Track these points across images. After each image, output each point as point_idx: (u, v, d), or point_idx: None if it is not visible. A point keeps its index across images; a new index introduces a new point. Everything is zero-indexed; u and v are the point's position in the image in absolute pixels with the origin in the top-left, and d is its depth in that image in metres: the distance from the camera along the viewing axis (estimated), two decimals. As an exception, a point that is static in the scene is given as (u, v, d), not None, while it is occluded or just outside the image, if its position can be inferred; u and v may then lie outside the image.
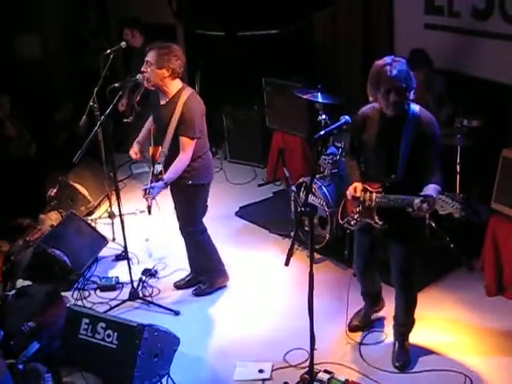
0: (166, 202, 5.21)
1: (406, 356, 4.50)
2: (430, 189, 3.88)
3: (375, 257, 4.56)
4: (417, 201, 3.83)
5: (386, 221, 4.16)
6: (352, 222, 4.37)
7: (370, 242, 4.46)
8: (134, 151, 5.25)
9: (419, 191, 3.90)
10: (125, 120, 7.16)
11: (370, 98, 4.09)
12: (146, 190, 4.88)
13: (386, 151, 4.11)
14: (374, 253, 4.53)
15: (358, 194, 4.17)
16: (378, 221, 4.17)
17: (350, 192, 4.21)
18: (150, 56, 4.91)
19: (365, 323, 4.85)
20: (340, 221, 4.50)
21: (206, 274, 5.54)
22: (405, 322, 4.54)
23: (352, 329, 4.82)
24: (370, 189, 4.17)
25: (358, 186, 4.20)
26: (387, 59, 3.97)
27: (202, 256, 5.45)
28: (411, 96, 3.98)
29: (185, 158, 4.93)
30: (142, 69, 4.97)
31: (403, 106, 4.00)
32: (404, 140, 4.00)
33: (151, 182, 4.90)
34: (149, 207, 4.87)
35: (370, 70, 4.03)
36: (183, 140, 4.90)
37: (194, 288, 5.54)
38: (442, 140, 4.14)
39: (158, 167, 4.99)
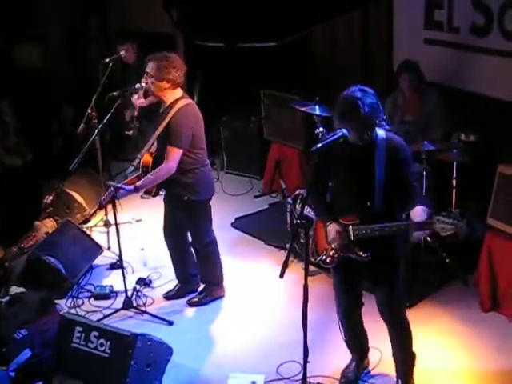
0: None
1: None
2: (418, 211, 3.77)
3: (357, 296, 4.34)
4: (415, 232, 3.77)
5: (370, 251, 3.99)
6: (328, 260, 4.20)
7: (347, 277, 4.23)
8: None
9: (398, 216, 3.87)
10: (126, 132, 7.13)
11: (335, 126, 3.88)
12: (112, 186, 4.91)
13: (358, 179, 3.93)
14: (355, 291, 4.31)
15: (340, 240, 4.04)
16: (360, 253, 4.00)
17: (335, 239, 4.05)
18: (150, 67, 4.92)
19: (356, 375, 4.52)
20: (312, 259, 4.29)
21: (207, 285, 5.54)
22: (404, 359, 4.32)
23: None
24: (344, 222, 4.02)
25: (339, 229, 4.02)
26: (357, 92, 3.79)
27: (210, 268, 5.48)
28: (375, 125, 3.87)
29: (166, 167, 4.90)
30: (143, 80, 4.98)
31: (372, 135, 3.88)
32: (377, 165, 3.86)
33: (125, 183, 4.95)
34: (100, 203, 4.89)
35: (338, 100, 3.85)
36: (168, 149, 4.88)
37: (188, 298, 5.54)
38: (413, 160, 4.04)
39: (131, 168, 5.01)
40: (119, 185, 4.91)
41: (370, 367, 4.60)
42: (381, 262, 4.04)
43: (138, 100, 6.59)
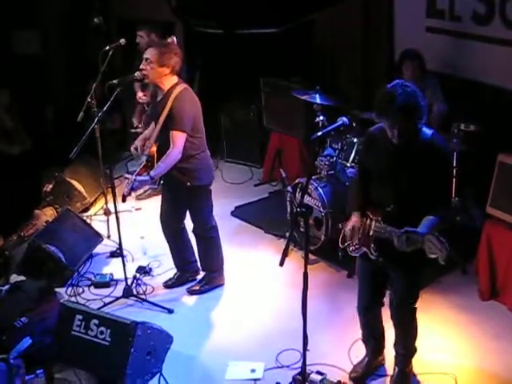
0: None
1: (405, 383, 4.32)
2: (425, 222, 3.69)
3: (378, 291, 4.27)
4: (397, 236, 3.68)
5: (382, 253, 3.95)
6: (351, 248, 4.17)
7: (371, 270, 4.16)
8: (134, 145, 5.26)
9: (419, 223, 3.73)
10: (133, 131, 7.06)
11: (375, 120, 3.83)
12: (128, 178, 4.93)
13: (389, 180, 3.85)
14: (376, 285, 4.23)
15: (358, 231, 3.99)
16: (373, 251, 3.98)
17: (347, 231, 4.04)
18: (150, 54, 4.92)
19: (367, 372, 4.47)
20: (340, 245, 4.26)
21: (207, 273, 5.56)
22: (405, 353, 4.30)
23: (354, 379, 4.42)
24: (371, 216, 3.97)
25: (356, 224, 4.00)
26: (397, 87, 3.63)
27: (211, 255, 5.49)
28: (421, 124, 3.70)
29: (174, 152, 4.91)
30: (141, 66, 4.98)
31: (409, 136, 3.71)
32: (410, 170, 3.74)
33: (137, 174, 4.95)
34: (123, 196, 4.91)
35: (378, 93, 3.72)
36: (172, 134, 4.89)
37: (188, 286, 5.55)
38: (452, 166, 3.90)
39: (143, 158, 5.02)
40: (134, 177, 4.92)
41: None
42: (396, 265, 3.99)
43: (142, 97, 6.60)
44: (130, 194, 5.01)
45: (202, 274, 5.61)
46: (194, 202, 5.23)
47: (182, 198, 5.20)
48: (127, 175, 5.08)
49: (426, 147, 3.74)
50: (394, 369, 4.36)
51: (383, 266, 4.05)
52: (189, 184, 5.05)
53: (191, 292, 5.51)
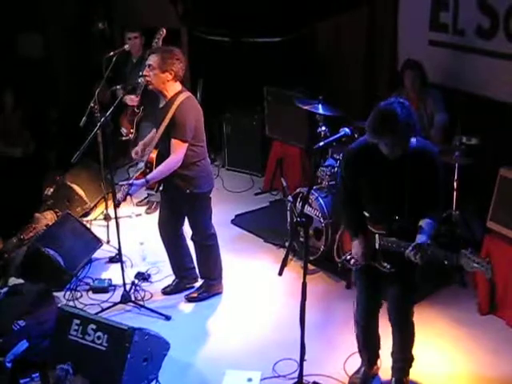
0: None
1: None
2: (424, 228, 3.73)
3: (378, 301, 4.29)
4: (407, 251, 3.67)
5: (393, 264, 3.95)
6: (352, 262, 4.16)
7: (373, 282, 4.16)
8: (135, 150, 5.28)
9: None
10: (124, 138, 7.03)
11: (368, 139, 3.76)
12: (123, 184, 4.94)
13: (388, 194, 3.84)
14: (377, 295, 4.25)
15: (367, 253, 3.98)
16: (384, 264, 3.96)
17: (357, 256, 4.03)
18: (153, 60, 4.93)
19: (364, 382, 4.48)
20: (336, 258, 4.30)
21: (206, 281, 5.55)
22: (403, 359, 4.31)
23: None
24: (373, 230, 3.96)
25: (364, 251, 3.99)
26: (395, 105, 3.63)
27: (210, 262, 5.48)
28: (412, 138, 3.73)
29: (173, 160, 4.92)
30: (144, 72, 4.98)
31: (405, 150, 3.73)
32: (409, 178, 3.74)
33: (134, 179, 4.98)
34: (118, 201, 4.93)
35: (374, 111, 3.69)
36: (173, 142, 4.90)
37: (186, 293, 5.54)
38: (443, 169, 3.88)
39: (141, 164, 5.03)
40: (131, 181, 4.94)
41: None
42: (400, 271, 4.00)
43: (134, 99, 6.60)
44: (124, 200, 5.01)
45: (200, 282, 5.61)
46: (193, 210, 5.23)
47: (181, 204, 5.21)
48: (122, 182, 5.09)
49: (416, 154, 3.76)
50: (391, 380, 4.35)
51: (382, 275, 4.06)
52: (188, 191, 5.05)
53: (189, 299, 5.51)
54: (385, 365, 4.49)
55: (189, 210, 5.24)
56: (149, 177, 4.94)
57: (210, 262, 5.48)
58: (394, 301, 4.14)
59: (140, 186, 4.97)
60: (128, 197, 5.06)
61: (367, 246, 4.00)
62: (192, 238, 5.43)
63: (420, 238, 3.70)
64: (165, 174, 4.95)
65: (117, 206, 5.00)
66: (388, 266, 3.96)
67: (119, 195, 4.94)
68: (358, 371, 4.51)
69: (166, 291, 5.62)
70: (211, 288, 5.54)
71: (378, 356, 4.52)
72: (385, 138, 3.66)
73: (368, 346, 4.46)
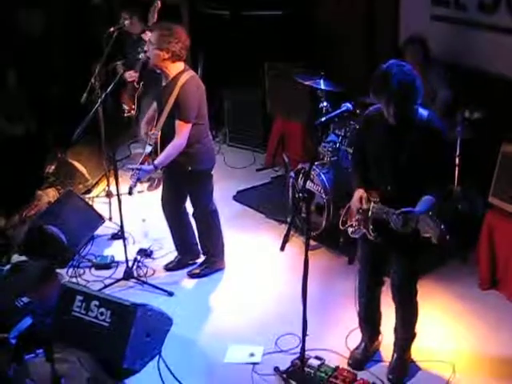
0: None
1: (403, 370, 4.32)
2: (421, 202, 3.69)
3: (380, 277, 4.30)
4: (393, 217, 3.67)
5: (381, 233, 3.95)
6: (350, 230, 4.20)
7: (372, 250, 4.18)
8: (144, 131, 5.28)
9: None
10: (126, 115, 7.01)
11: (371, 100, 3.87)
12: (132, 169, 4.94)
13: (386, 160, 3.87)
14: (378, 271, 4.27)
15: (365, 206, 3.97)
16: (371, 232, 3.99)
17: (354, 203, 4.03)
18: (152, 36, 4.91)
19: (365, 358, 4.48)
20: (341, 226, 4.28)
21: (208, 257, 5.56)
22: (405, 336, 4.33)
23: (353, 365, 4.42)
24: (369, 197, 3.98)
25: (363, 195, 3.98)
26: (392, 66, 3.69)
27: (212, 239, 5.50)
28: (417, 104, 3.72)
29: (179, 142, 4.91)
30: (145, 48, 4.96)
31: (406, 116, 3.73)
32: (407, 150, 3.75)
33: (141, 163, 4.96)
34: (130, 188, 4.93)
35: (374, 73, 3.75)
36: (178, 124, 4.89)
37: (188, 269, 5.56)
38: (451, 148, 3.91)
39: (149, 148, 5.01)
40: (139, 166, 4.93)
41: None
42: (396, 246, 4.00)
43: (133, 74, 6.56)
44: (135, 186, 5.03)
45: (202, 258, 5.62)
46: (194, 187, 5.23)
47: (183, 181, 5.20)
48: (130, 166, 5.07)
49: (423, 128, 3.76)
50: (393, 355, 4.38)
51: (383, 246, 4.07)
52: (190, 168, 5.05)
53: (191, 275, 5.53)
54: (387, 341, 4.51)
55: (190, 187, 5.24)
56: (157, 162, 4.93)
57: (212, 238, 5.49)
58: (397, 281, 4.14)
59: (148, 171, 4.97)
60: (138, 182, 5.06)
61: (362, 209, 4.00)
62: (193, 215, 5.44)
63: (411, 208, 3.68)
64: (172, 156, 4.94)
65: (130, 193, 4.99)
66: (374, 234, 3.97)
67: (132, 182, 4.95)
68: (358, 346, 4.53)
69: (169, 267, 5.64)
70: (213, 264, 5.56)
71: (379, 332, 4.54)
72: (382, 98, 3.70)
73: (369, 322, 4.48)
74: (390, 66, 3.70)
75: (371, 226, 3.98)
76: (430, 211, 3.63)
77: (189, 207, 5.46)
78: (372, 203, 3.96)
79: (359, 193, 4.02)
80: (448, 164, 3.91)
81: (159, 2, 6.00)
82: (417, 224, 3.61)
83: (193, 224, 5.55)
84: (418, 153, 3.74)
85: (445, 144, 3.83)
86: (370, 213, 3.97)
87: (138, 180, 5.00)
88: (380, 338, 4.56)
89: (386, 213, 3.82)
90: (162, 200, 5.44)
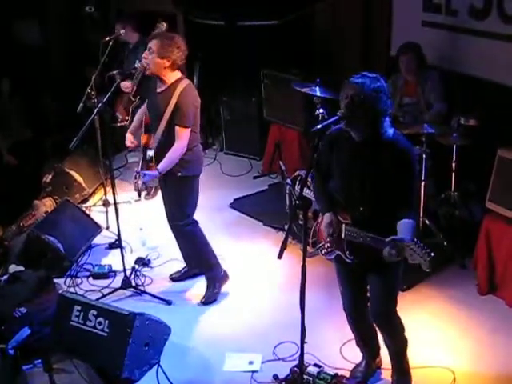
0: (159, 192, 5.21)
1: (404, 380, 4.25)
2: (403, 228, 3.57)
3: (362, 290, 4.14)
4: (386, 248, 3.52)
5: (357, 256, 3.86)
6: (323, 251, 4.09)
7: (349, 271, 4.05)
8: (130, 140, 5.29)
9: (391, 226, 3.59)
10: (119, 124, 7.00)
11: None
12: (137, 172, 4.97)
13: (355, 178, 3.76)
14: (357, 285, 4.12)
15: (336, 230, 3.87)
16: (347, 255, 3.89)
17: (324, 229, 3.93)
18: (153, 44, 4.91)
19: (367, 375, 4.39)
20: (311, 248, 4.18)
21: (201, 268, 5.48)
22: (395, 348, 4.20)
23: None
24: (340, 219, 3.89)
25: (334, 220, 3.88)
26: (360, 79, 3.57)
27: (190, 247, 5.40)
28: (384, 121, 3.63)
29: (180, 147, 4.92)
30: (144, 55, 4.97)
31: (370, 132, 3.65)
32: (375, 165, 3.66)
33: (142, 168, 4.99)
34: (139, 191, 4.95)
35: (343, 85, 3.65)
36: (178, 129, 4.90)
37: (200, 301, 5.36)
38: (418, 172, 3.77)
39: (150, 153, 5.02)
40: (144, 171, 4.96)
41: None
42: (372, 267, 3.90)
43: (129, 86, 6.57)
44: (144, 189, 5.05)
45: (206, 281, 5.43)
46: (180, 191, 5.14)
47: (171, 186, 5.12)
48: (138, 170, 5.09)
49: (389, 147, 3.67)
50: (392, 366, 4.31)
51: (360, 266, 3.96)
52: (180, 174, 5.04)
53: (204, 302, 5.31)
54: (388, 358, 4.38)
55: (176, 192, 5.16)
56: (160, 168, 4.92)
57: (201, 253, 5.33)
58: (373, 305, 4.05)
59: (153, 177, 4.97)
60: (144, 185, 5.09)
61: (336, 227, 3.91)
62: (170, 223, 5.28)
63: (399, 236, 3.56)
64: (175, 161, 4.93)
65: (139, 196, 5.04)
66: (350, 258, 3.90)
67: (140, 184, 4.98)
68: (359, 364, 4.45)
69: (175, 277, 5.61)
70: (218, 284, 5.37)
71: (378, 348, 4.41)
72: (348, 114, 3.58)
73: (364, 339, 4.39)
74: (358, 78, 3.59)
75: (347, 251, 3.90)
76: (415, 237, 3.53)
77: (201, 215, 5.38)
78: (343, 225, 3.89)
79: (328, 218, 3.93)
80: (416, 188, 3.81)
81: (165, 24, 5.98)
82: (403, 251, 3.48)
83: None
84: (385, 168, 3.65)
85: (414, 166, 3.73)
86: (343, 235, 3.89)
87: (144, 184, 5.01)
88: (380, 356, 4.45)
89: (360, 236, 3.74)
90: (166, 213, 5.35)
